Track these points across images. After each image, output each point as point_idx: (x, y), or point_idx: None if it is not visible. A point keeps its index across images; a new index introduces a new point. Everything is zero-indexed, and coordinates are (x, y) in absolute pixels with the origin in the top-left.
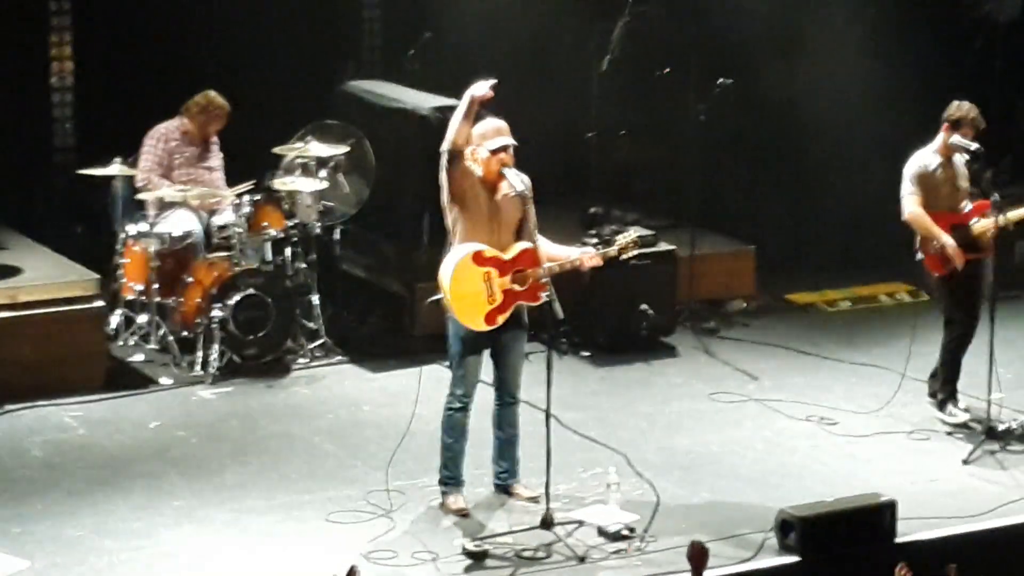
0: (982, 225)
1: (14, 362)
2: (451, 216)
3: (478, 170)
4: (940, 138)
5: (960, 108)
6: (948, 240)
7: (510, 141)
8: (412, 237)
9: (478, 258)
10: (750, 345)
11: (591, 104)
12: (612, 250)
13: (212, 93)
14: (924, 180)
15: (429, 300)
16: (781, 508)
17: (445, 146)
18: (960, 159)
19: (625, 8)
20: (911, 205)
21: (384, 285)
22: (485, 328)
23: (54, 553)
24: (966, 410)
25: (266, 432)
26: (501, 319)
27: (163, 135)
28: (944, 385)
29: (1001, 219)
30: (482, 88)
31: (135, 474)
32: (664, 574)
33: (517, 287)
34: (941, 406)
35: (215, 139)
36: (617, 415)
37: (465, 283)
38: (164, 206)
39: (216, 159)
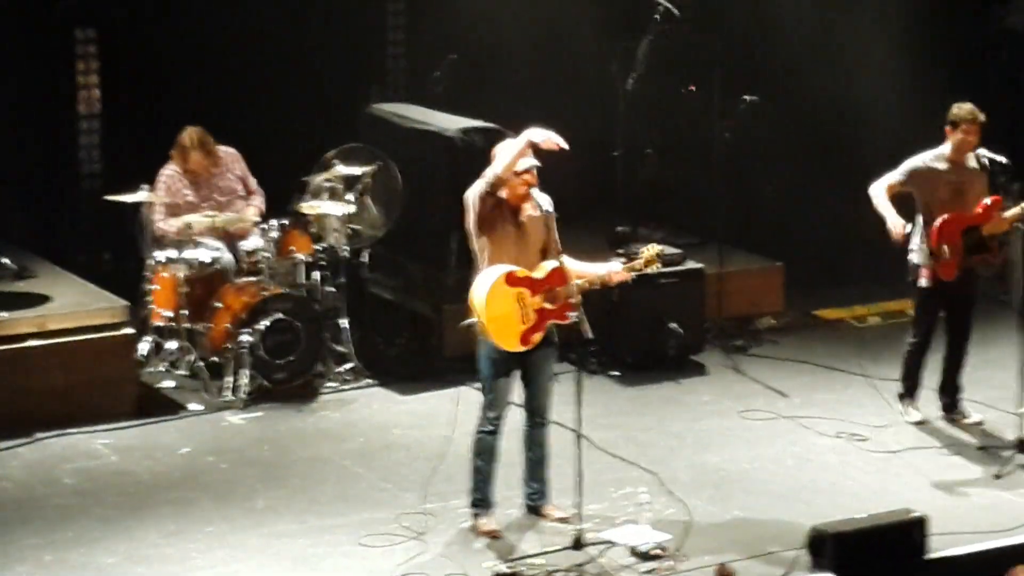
0: (994, 224)
1: (44, 390)
2: (477, 240)
3: (502, 192)
4: (948, 142)
5: (959, 107)
6: (892, 219)
7: (534, 162)
8: (439, 258)
9: (510, 279)
10: (779, 362)
11: (617, 122)
12: (637, 263)
13: (187, 131)
14: (918, 174)
15: (463, 324)
16: (813, 525)
17: (490, 176)
18: (974, 170)
19: (650, 26)
20: (880, 182)
21: (412, 307)
22: (520, 349)
23: None
24: (920, 421)
25: (297, 456)
26: (536, 339)
27: (165, 183)
28: (902, 381)
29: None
30: (540, 135)
31: (166, 500)
32: None
33: (549, 306)
34: (900, 400)
35: (226, 161)
36: (647, 434)
37: (499, 305)
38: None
39: (226, 187)
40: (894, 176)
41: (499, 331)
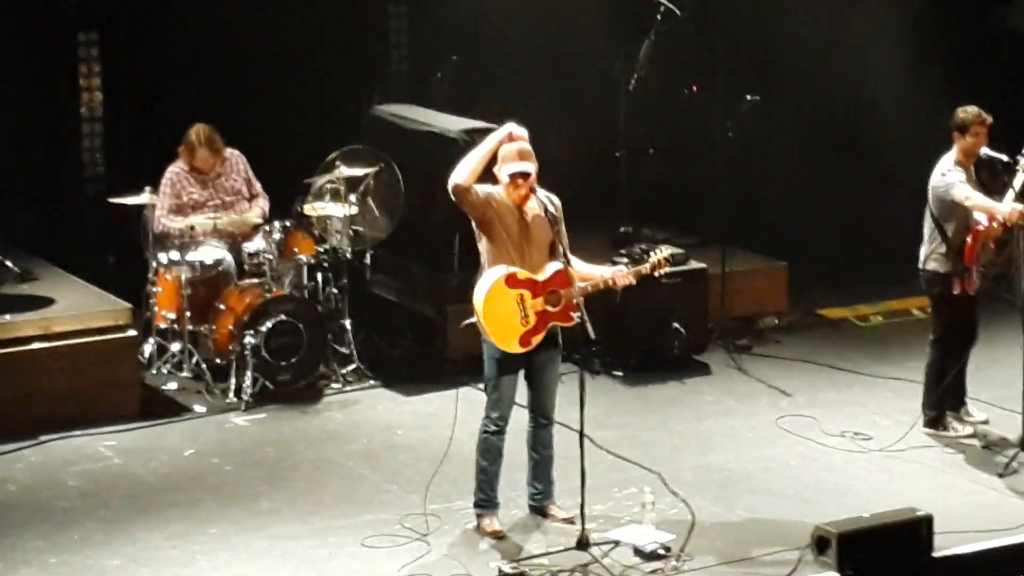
0: (995, 231)
1: (48, 393)
2: (482, 240)
3: (501, 193)
4: (955, 148)
5: (965, 111)
6: (1005, 207)
7: (527, 168)
8: (442, 260)
9: (511, 280)
10: (783, 361)
11: (619, 123)
12: (644, 267)
13: (195, 128)
14: (962, 179)
15: (464, 324)
16: (817, 524)
17: (449, 184)
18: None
19: (652, 26)
20: (962, 192)
21: (415, 308)
22: (520, 350)
23: None
24: (972, 433)
25: (300, 458)
26: (536, 340)
27: (170, 179)
28: (940, 400)
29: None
30: (506, 130)
31: (171, 502)
32: None
33: (551, 308)
34: (935, 424)
35: (231, 162)
36: (651, 434)
37: (499, 306)
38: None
39: (231, 187)
40: (959, 186)
41: (498, 332)
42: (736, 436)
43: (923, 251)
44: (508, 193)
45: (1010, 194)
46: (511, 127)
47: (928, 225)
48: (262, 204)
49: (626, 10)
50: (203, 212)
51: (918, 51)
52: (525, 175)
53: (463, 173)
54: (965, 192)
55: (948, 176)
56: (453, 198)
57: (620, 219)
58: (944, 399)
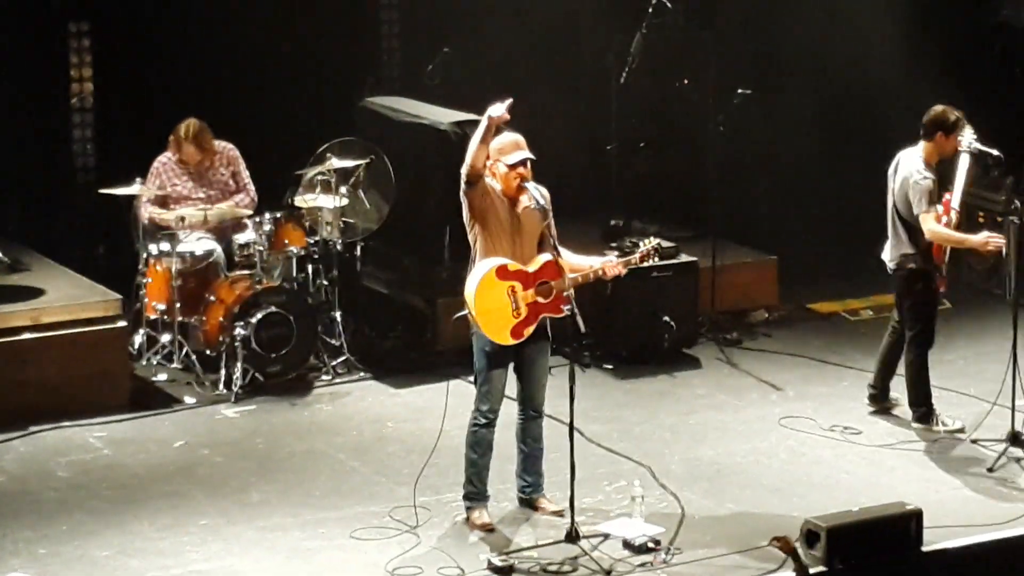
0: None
1: (38, 383)
2: (472, 232)
3: (497, 185)
4: (928, 147)
5: (953, 112)
6: (977, 238)
7: (528, 155)
8: (433, 252)
9: (502, 272)
10: (773, 355)
11: (611, 116)
12: (633, 258)
13: (185, 122)
14: (933, 196)
15: (455, 317)
16: (806, 518)
17: (464, 169)
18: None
19: (644, 20)
20: (929, 223)
21: (406, 300)
22: (512, 342)
23: (81, 574)
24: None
25: (290, 449)
26: (527, 332)
27: (157, 170)
28: (927, 399)
29: None
30: (499, 109)
31: (160, 493)
32: None
33: (541, 300)
34: (926, 419)
35: (222, 155)
36: (641, 427)
37: (490, 298)
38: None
39: (217, 181)
40: (928, 208)
41: (490, 324)
42: (726, 430)
43: (892, 251)
44: (505, 184)
45: (959, 179)
46: (492, 111)
47: (896, 224)
48: (239, 198)
49: (618, 3)
50: (187, 204)
51: (911, 45)
52: (526, 162)
53: (474, 157)
54: (931, 227)
55: (920, 190)
56: (466, 185)
57: (611, 212)
58: (930, 393)
